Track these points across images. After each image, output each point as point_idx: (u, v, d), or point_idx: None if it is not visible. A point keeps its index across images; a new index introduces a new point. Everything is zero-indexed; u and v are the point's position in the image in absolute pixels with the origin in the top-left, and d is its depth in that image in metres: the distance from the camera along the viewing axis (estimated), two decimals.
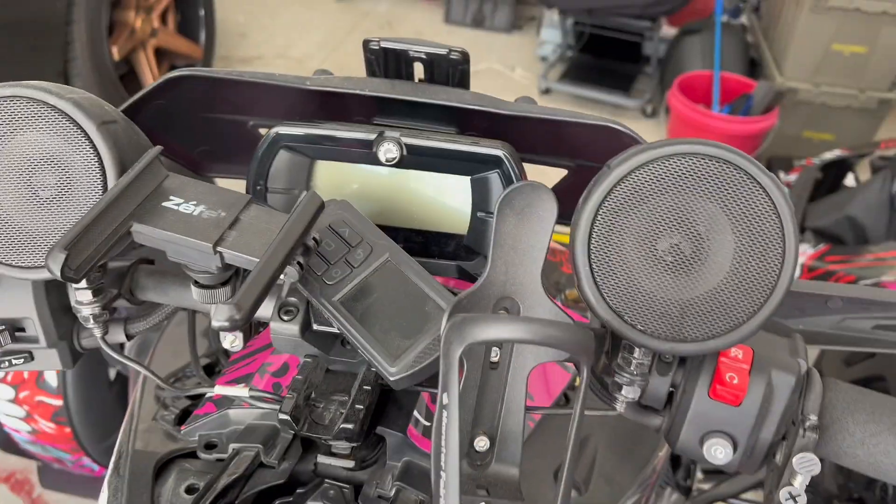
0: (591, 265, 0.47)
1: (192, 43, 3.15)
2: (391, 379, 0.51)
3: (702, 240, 0.46)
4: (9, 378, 1.34)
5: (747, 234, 0.45)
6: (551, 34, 3.92)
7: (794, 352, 0.53)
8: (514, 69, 3.95)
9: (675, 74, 3.23)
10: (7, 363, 0.60)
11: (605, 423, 0.78)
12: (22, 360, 0.60)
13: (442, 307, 0.53)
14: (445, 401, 0.41)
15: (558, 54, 3.87)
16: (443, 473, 0.41)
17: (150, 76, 2.91)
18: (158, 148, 0.53)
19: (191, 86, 0.62)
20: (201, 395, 0.69)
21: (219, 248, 0.48)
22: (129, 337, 0.62)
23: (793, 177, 2.50)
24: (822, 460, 0.50)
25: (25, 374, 1.37)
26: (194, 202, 0.51)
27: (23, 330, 0.59)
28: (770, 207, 0.45)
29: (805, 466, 0.49)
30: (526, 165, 0.67)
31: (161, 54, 3.03)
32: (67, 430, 1.39)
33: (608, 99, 3.61)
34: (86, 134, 0.51)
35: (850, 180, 2.51)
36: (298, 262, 0.50)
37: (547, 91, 3.74)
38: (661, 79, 3.64)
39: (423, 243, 0.67)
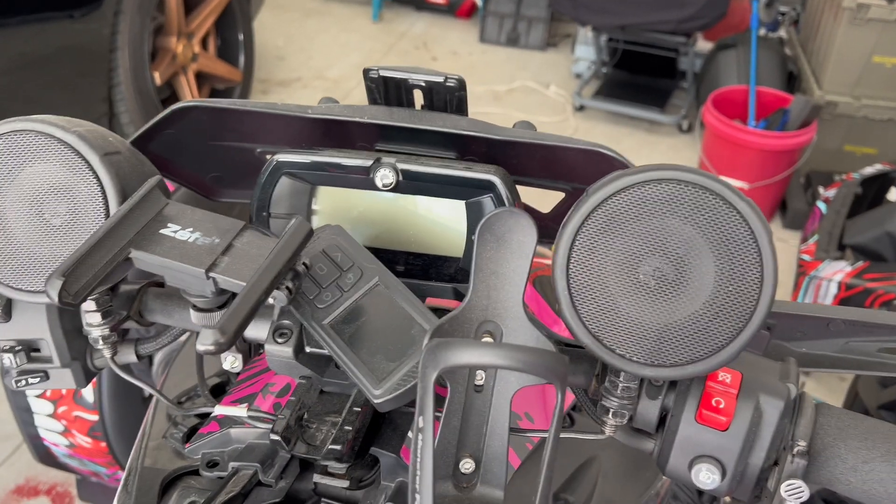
0: (570, 289, 0.47)
1: (232, 67, 3.24)
2: (375, 401, 0.52)
3: (682, 265, 0.46)
4: (48, 394, 1.39)
5: (726, 259, 0.45)
6: (585, 51, 3.92)
7: (786, 376, 0.52)
8: (548, 86, 3.95)
9: (711, 89, 3.19)
10: (24, 381, 0.63)
11: (610, 446, 0.77)
12: (38, 380, 0.63)
13: (426, 330, 0.54)
14: (421, 424, 0.42)
15: (593, 71, 3.86)
16: (417, 496, 0.41)
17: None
18: (158, 177, 0.55)
19: (198, 116, 0.65)
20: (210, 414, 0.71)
21: (211, 274, 0.50)
22: (139, 357, 0.65)
23: (832, 192, 2.44)
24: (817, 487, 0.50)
25: (63, 391, 1.42)
26: (191, 229, 0.53)
27: (38, 350, 0.62)
28: (747, 232, 0.45)
29: (793, 493, 0.48)
30: (526, 188, 0.68)
31: (202, 78, 3.12)
32: (103, 444, 1.43)
33: (643, 115, 3.58)
34: (89, 165, 0.53)
35: (892, 195, 2.44)
36: (287, 287, 0.51)
37: (581, 108, 3.73)
38: (696, 94, 3.60)
39: (421, 266, 0.68)
